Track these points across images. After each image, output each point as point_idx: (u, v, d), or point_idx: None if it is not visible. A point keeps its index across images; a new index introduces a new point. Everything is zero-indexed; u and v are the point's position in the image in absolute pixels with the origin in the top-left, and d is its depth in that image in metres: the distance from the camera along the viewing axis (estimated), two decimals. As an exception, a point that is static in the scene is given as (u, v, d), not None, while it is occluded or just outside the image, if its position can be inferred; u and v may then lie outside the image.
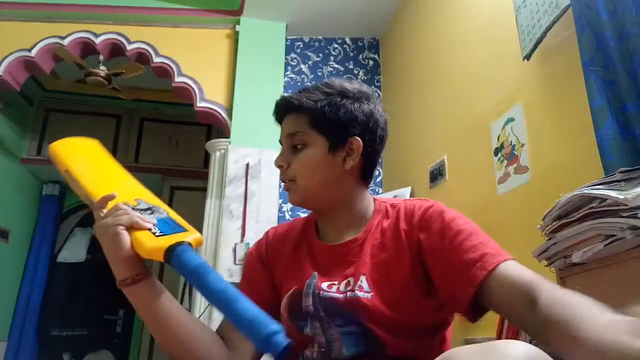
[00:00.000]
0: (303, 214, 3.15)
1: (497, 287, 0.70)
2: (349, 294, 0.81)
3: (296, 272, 0.90)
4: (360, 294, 0.80)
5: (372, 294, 0.80)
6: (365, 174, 0.91)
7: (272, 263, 0.96)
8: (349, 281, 0.83)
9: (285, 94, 0.94)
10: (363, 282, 0.82)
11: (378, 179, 3.35)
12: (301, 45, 3.58)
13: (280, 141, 0.94)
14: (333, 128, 0.87)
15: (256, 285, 0.95)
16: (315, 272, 0.87)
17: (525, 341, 0.57)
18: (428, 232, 0.82)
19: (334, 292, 0.83)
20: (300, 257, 0.92)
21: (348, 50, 3.64)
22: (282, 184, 0.92)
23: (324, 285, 0.85)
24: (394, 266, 0.82)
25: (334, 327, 0.82)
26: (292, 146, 0.90)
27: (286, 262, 0.94)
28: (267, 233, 1.03)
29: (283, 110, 0.93)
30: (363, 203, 0.91)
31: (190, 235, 0.72)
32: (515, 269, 0.71)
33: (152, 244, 0.69)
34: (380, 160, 1.00)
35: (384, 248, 0.84)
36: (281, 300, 0.90)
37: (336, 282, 0.84)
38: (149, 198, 0.82)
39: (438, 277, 0.80)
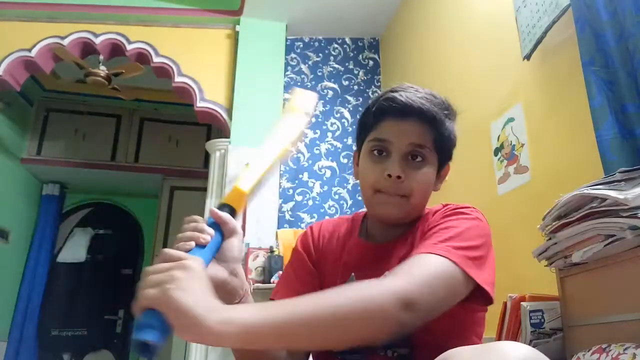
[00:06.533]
0: (304, 214, 3.16)
1: None
2: None
3: (339, 273, 0.89)
4: None
5: None
6: None
7: (320, 265, 0.93)
8: None
9: (404, 93, 0.84)
10: None
11: (378, 179, 3.35)
12: (301, 45, 3.58)
13: (383, 139, 0.84)
14: (447, 152, 0.88)
15: (307, 282, 0.91)
16: (353, 274, 0.86)
17: (525, 343, 0.58)
18: (432, 225, 0.83)
19: None
20: (343, 258, 0.91)
21: (348, 50, 3.64)
22: (384, 193, 0.82)
23: None
24: None
25: None
26: (408, 155, 0.83)
27: (332, 264, 0.92)
28: (311, 230, 0.98)
29: (409, 112, 0.83)
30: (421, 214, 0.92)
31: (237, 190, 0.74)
32: (422, 261, 0.70)
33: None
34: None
35: (410, 248, 0.85)
36: None
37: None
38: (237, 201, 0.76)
39: None
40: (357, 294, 0.61)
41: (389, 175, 0.81)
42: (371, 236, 0.91)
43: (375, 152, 0.85)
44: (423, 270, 0.68)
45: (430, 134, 0.83)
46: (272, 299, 0.91)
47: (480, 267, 0.75)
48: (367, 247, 0.89)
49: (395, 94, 0.85)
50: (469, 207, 0.84)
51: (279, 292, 0.92)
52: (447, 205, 0.88)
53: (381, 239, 0.89)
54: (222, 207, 0.73)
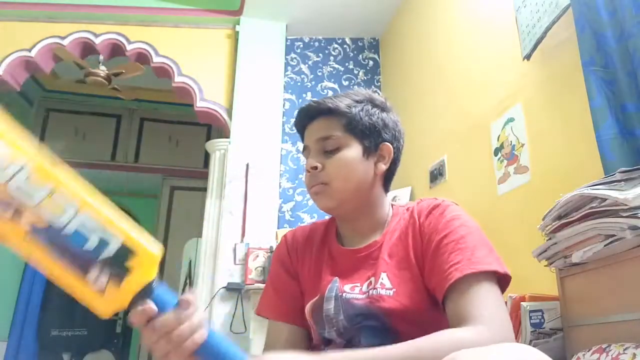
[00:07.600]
0: (304, 214, 3.16)
1: (449, 300, 0.74)
2: (371, 292, 0.83)
3: (318, 278, 0.90)
4: (382, 291, 0.82)
5: (394, 290, 0.82)
6: (387, 180, 0.94)
7: (297, 270, 0.95)
8: (370, 281, 0.85)
9: (313, 100, 0.93)
10: (384, 279, 0.83)
11: (378, 179, 3.35)
12: (301, 45, 3.58)
13: (304, 147, 0.93)
14: (367, 132, 0.89)
15: (286, 295, 0.94)
16: (337, 277, 0.88)
17: (525, 343, 0.58)
18: (428, 229, 0.85)
19: (356, 294, 0.85)
20: (322, 262, 0.92)
21: (348, 50, 3.64)
22: (311, 187, 0.89)
23: (347, 287, 0.86)
24: (409, 262, 0.84)
25: (352, 327, 0.83)
26: (323, 150, 0.89)
27: (309, 268, 0.94)
28: (285, 238, 1.01)
29: (313, 114, 0.91)
30: (384, 208, 0.93)
31: (140, 261, 0.51)
32: (470, 288, 0.72)
33: (104, 308, 0.50)
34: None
35: (400, 247, 0.86)
36: (305, 305, 0.90)
37: (358, 284, 0.86)
38: (40, 173, 0.47)
39: (423, 272, 0.83)
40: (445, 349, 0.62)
41: (309, 170, 0.89)
42: (347, 239, 0.94)
43: (305, 159, 0.93)
44: (491, 309, 0.71)
45: (338, 123, 0.89)
46: (258, 314, 0.95)
47: (500, 260, 0.78)
48: (347, 252, 0.91)
49: (302, 107, 0.94)
50: (451, 205, 0.86)
51: (262, 311, 0.95)
52: (420, 201, 0.91)
53: (356, 241, 0.91)
54: (150, 287, 0.54)
